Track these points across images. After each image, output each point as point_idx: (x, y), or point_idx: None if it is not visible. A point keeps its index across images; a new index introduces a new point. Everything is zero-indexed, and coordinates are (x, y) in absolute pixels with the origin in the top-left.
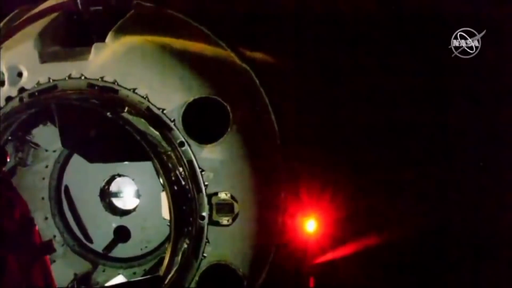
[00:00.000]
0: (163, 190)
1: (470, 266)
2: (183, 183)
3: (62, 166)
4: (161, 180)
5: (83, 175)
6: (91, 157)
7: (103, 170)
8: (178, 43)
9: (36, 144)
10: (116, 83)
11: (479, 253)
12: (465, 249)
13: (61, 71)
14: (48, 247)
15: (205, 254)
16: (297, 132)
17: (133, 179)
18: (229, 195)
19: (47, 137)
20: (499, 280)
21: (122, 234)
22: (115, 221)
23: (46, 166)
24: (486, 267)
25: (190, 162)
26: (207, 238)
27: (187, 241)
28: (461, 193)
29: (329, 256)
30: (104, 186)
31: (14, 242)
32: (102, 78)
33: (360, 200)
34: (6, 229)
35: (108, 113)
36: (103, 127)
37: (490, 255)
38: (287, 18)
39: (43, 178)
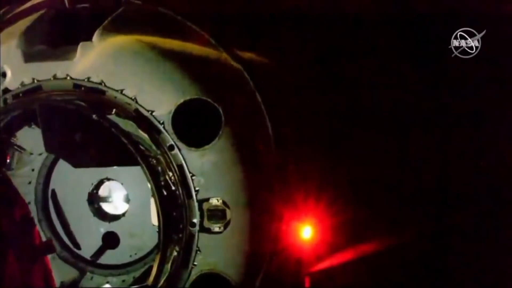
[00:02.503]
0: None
1: (471, 272)
2: (172, 188)
3: (49, 169)
4: (149, 185)
5: (70, 179)
6: (77, 162)
7: (91, 174)
8: (169, 42)
9: (21, 147)
10: (103, 84)
11: (480, 257)
12: (466, 255)
13: (46, 71)
14: (48, 247)
15: (195, 263)
16: (293, 136)
17: (122, 183)
18: (221, 201)
19: (32, 139)
20: (500, 282)
21: (110, 240)
22: (104, 227)
23: (32, 170)
24: (487, 271)
25: (180, 166)
26: (197, 246)
27: (177, 249)
28: (461, 194)
29: (326, 263)
30: (92, 190)
31: (14, 242)
32: (88, 78)
33: (358, 206)
34: (6, 229)
35: (93, 116)
36: (89, 130)
37: (491, 257)
38: (283, 17)
39: (29, 182)
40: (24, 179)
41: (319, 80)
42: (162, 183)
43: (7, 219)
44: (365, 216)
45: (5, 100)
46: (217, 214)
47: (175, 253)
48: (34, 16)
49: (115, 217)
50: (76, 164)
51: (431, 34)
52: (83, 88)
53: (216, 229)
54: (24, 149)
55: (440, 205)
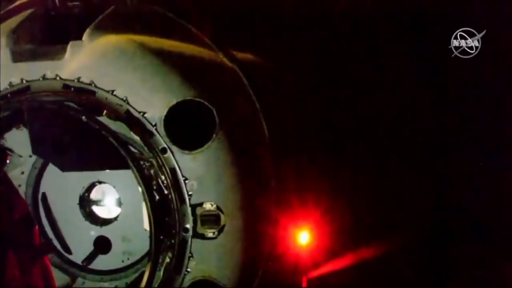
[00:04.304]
0: None
1: (471, 279)
2: (165, 192)
3: (39, 172)
4: (140, 189)
5: (61, 182)
6: (65, 165)
7: (82, 176)
8: (161, 42)
9: (10, 149)
10: (93, 84)
11: (480, 258)
12: (465, 260)
13: (35, 71)
14: (48, 247)
15: (189, 269)
16: (289, 138)
17: (114, 187)
18: (215, 205)
19: (21, 141)
20: (500, 281)
21: (102, 245)
22: (95, 231)
23: (22, 173)
24: (487, 270)
25: (172, 170)
26: (191, 252)
27: (170, 255)
28: (461, 196)
29: (323, 270)
30: (83, 194)
31: (14, 242)
32: (78, 79)
33: (356, 211)
34: (6, 229)
35: (83, 117)
36: (79, 132)
37: (491, 257)
38: (280, 17)
39: (19, 185)
40: (14, 182)
41: (318, 81)
42: (154, 187)
43: (7, 219)
44: (364, 221)
45: None
46: (211, 219)
47: (167, 259)
48: (23, 14)
49: (107, 221)
50: (64, 168)
51: (431, 34)
52: (72, 89)
53: (210, 235)
54: (13, 151)
55: (439, 210)
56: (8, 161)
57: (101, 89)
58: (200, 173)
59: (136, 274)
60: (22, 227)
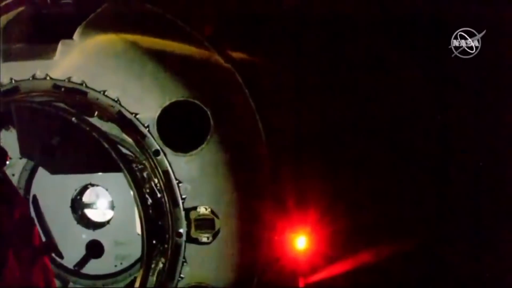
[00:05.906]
0: None
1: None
2: (158, 195)
3: (30, 174)
4: (132, 193)
5: (53, 184)
6: (55, 168)
7: (75, 179)
8: (155, 41)
9: None
10: (84, 85)
11: (479, 260)
12: (465, 263)
13: (24, 71)
14: (48, 247)
15: (182, 275)
16: (287, 140)
17: (107, 189)
18: (209, 209)
19: (11, 143)
20: (499, 282)
21: (94, 249)
22: (88, 235)
23: (13, 174)
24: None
25: (165, 172)
26: (184, 257)
27: (163, 260)
28: (460, 197)
29: (321, 275)
30: (76, 196)
31: (14, 242)
32: (69, 79)
33: (354, 215)
34: (6, 229)
35: (73, 119)
36: (70, 134)
37: (491, 258)
38: (277, 17)
39: None
40: None
41: (316, 82)
42: (147, 190)
43: (7, 218)
44: (362, 225)
45: None
46: (205, 224)
47: (160, 265)
48: (13, 12)
49: (99, 225)
50: (54, 171)
51: (431, 34)
52: (63, 89)
53: (204, 240)
54: None
55: (438, 213)
56: (8, 162)
57: (93, 89)
58: (194, 176)
59: (129, 279)
60: (22, 227)
